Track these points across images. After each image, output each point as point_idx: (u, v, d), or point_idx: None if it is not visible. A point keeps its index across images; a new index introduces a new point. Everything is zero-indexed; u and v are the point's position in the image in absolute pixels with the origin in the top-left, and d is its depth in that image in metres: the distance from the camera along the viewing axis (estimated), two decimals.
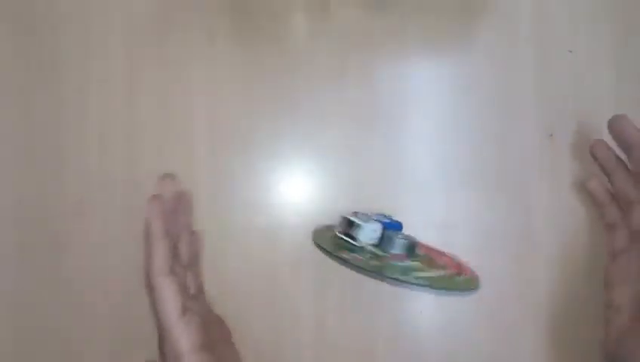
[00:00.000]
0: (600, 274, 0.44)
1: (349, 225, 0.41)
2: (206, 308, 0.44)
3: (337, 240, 0.41)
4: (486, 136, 0.48)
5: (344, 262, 0.38)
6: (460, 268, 0.41)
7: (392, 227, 0.42)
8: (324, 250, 0.40)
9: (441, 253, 0.44)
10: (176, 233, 0.42)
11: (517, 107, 0.49)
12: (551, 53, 0.49)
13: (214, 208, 0.47)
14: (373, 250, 0.41)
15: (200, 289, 0.45)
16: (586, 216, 0.48)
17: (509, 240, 0.47)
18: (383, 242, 0.41)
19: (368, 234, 0.41)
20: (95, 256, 0.47)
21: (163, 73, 0.48)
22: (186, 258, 0.43)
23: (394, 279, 0.36)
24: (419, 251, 0.42)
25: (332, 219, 0.47)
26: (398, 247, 0.41)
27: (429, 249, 0.44)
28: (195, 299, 0.43)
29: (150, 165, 0.47)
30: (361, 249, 0.41)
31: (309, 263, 0.47)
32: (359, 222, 0.41)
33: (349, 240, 0.41)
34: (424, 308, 0.47)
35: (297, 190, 0.47)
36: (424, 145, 0.48)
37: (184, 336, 0.37)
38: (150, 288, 0.38)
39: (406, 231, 0.47)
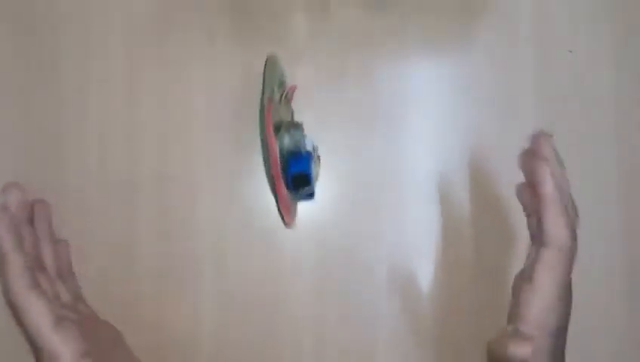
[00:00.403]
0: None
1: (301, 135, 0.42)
2: (87, 315, 0.41)
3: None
4: (486, 136, 0.48)
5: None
6: (281, 199, 0.40)
7: (301, 161, 0.41)
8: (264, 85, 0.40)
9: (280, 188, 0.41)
10: (35, 244, 0.39)
11: (517, 107, 0.49)
12: (551, 53, 0.49)
13: (214, 208, 0.47)
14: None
15: (77, 297, 0.42)
16: (585, 216, 0.48)
17: (509, 239, 0.47)
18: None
19: (298, 139, 0.41)
20: (95, 255, 0.47)
21: (163, 73, 0.48)
22: (52, 268, 0.41)
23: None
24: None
25: (332, 218, 0.47)
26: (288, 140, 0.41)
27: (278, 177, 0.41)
28: (70, 308, 0.40)
29: (150, 165, 0.47)
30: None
31: (309, 263, 0.47)
32: (308, 145, 0.41)
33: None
34: (424, 309, 0.47)
35: None
36: (424, 145, 0.48)
37: (62, 346, 0.35)
38: (13, 306, 0.35)
39: (406, 230, 0.47)
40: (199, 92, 0.48)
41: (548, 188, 0.34)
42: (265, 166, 0.41)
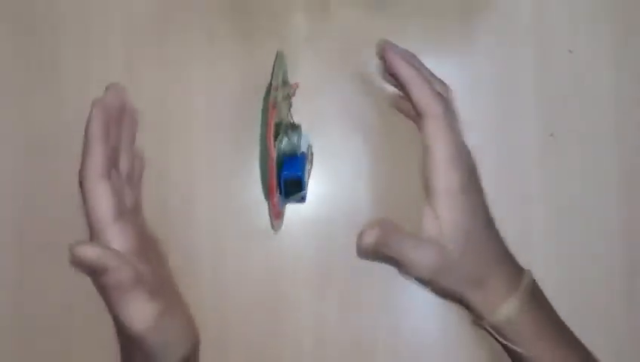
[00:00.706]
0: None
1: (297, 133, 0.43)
2: (143, 226, 0.42)
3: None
4: (486, 136, 0.48)
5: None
6: (273, 206, 0.41)
7: (294, 165, 0.42)
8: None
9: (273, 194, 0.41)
10: (117, 144, 0.41)
11: (517, 107, 0.49)
12: (551, 53, 0.49)
13: (214, 208, 0.47)
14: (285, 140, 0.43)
15: (138, 207, 0.43)
16: (585, 215, 0.48)
17: (508, 239, 0.47)
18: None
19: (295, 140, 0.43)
20: None
21: (163, 73, 0.48)
22: (124, 171, 0.42)
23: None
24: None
25: (332, 218, 0.47)
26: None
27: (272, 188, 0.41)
28: (131, 214, 0.41)
29: (150, 165, 0.47)
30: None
31: (309, 263, 0.47)
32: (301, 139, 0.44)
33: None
34: (423, 308, 0.47)
35: None
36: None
37: (119, 238, 0.36)
38: (84, 190, 0.37)
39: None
40: (199, 92, 0.48)
41: (403, 71, 0.39)
42: (260, 168, 0.41)
